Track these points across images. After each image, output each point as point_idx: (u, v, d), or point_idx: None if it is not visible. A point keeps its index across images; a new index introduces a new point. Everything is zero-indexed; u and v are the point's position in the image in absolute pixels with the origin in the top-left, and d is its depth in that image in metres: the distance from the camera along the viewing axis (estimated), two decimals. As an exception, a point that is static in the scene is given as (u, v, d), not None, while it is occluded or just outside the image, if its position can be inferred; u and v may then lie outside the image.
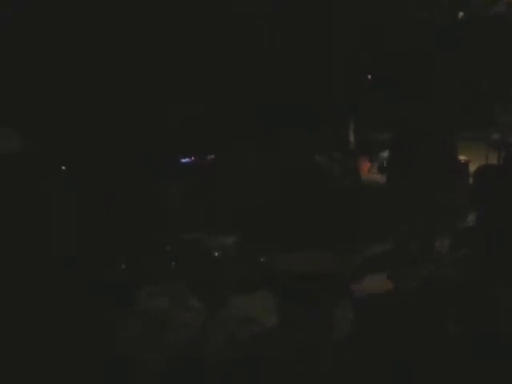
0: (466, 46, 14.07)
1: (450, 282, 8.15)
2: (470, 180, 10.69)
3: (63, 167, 9.46)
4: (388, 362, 7.14)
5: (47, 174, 8.69)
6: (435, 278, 8.47)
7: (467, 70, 13.87)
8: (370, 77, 14.49)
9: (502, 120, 12.16)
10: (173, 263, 9.38)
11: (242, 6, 12.23)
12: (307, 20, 12.73)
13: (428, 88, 13.81)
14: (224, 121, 11.89)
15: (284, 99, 12.40)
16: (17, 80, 10.43)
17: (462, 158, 11.33)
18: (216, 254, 9.49)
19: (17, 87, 10.39)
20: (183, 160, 11.74)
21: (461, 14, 14.65)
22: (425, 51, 13.83)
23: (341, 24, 12.96)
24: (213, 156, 11.98)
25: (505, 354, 6.92)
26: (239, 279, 9.00)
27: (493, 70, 13.72)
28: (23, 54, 10.61)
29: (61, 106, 10.73)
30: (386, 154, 13.48)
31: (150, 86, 11.44)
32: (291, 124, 12.34)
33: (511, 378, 6.78)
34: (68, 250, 8.28)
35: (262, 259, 9.37)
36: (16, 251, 7.86)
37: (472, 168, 10.93)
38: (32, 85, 10.56)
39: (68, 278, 8.03)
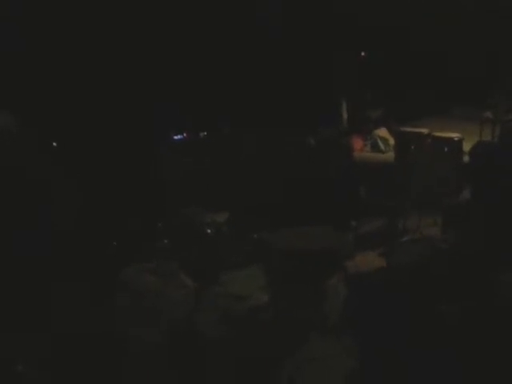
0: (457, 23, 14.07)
1: (442, 259, 8.13)
2: (464, 157, 10.69)
3: (53, 142, 9.37)
4: (380, 338, 7.13)
5: (38, 150, 8.61)
6: (428, 255, 8.46)
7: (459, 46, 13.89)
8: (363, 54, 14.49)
9: (496, 97, 12.14)
10: (164, 240, 9.32)
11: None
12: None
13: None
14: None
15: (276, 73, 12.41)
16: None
17: (455, 135, 11.29)
18: (208, 230, 9.43)
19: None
20: (176, 136, 11.68)
21: None
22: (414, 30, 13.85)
23: None
24: (205, 132, 11.93)
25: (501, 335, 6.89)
26: (232, 256, 8.97)
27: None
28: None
29: (51, 83, 10.64)
30: (379, 131, 13.42)
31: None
32: (283, 98, 12.34)
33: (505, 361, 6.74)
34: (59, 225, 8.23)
35: (255, 236, 9.34)
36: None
37: (466, 145, 10.93)
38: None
39: (58, 252, 7.98)
